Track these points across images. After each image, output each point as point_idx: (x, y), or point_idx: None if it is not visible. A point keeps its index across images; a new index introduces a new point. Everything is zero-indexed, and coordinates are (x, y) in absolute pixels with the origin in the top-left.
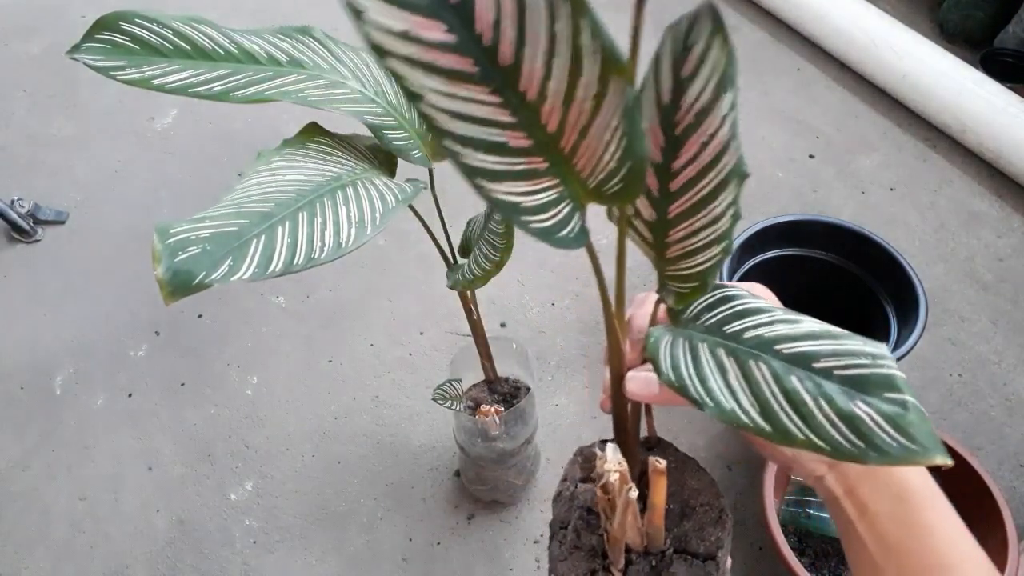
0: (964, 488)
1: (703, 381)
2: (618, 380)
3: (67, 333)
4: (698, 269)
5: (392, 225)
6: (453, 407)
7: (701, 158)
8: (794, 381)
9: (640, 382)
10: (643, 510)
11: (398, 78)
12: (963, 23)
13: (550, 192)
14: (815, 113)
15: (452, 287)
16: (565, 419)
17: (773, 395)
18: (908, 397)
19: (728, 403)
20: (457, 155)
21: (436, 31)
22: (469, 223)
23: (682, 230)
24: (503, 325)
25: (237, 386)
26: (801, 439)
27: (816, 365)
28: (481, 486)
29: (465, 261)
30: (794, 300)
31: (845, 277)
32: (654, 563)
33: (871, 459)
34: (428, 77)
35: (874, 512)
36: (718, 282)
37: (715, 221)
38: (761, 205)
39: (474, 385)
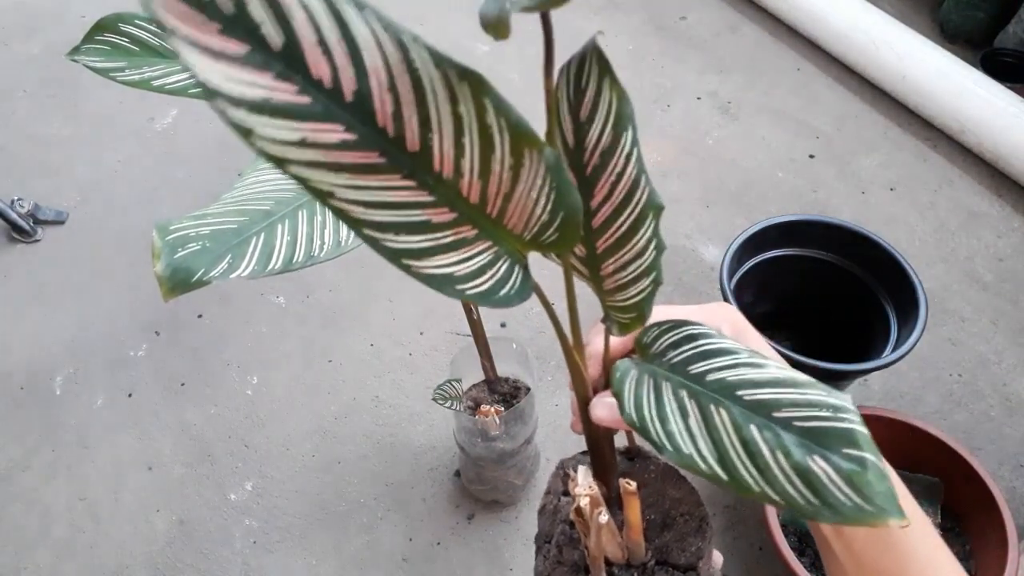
0: (964, 488)
1: (664, 423)
2: (584, 405)
3: (67, 333)
4: (633, 300)
5: None
6: (453, 407)
7: (614, 196)
8: (753, 431)
9: (605, 408)
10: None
11: (302, 181)
12: (963, 23)
13: (484, 255)
14: (815, 113)
15: None
16: (565, 419)
17: (732, 444)
18: (867, 455)
19: (687, 448)
20: (377, 242)
21: (335, 133)
22: None
23: (611, 264)
24: (503, 325)
25: (237, 386)
26: (756, 491)
27: (776, 414)
28: (481, 486)
29: None
30: (794, 301)
31: (845, 277)
32: (636, 575)
33: (824, 517)
34: (335, 176)
35: (851, 533)
36: (684, 319)
37: (640, 255)
38: (761, 205)
39: (474, 385)
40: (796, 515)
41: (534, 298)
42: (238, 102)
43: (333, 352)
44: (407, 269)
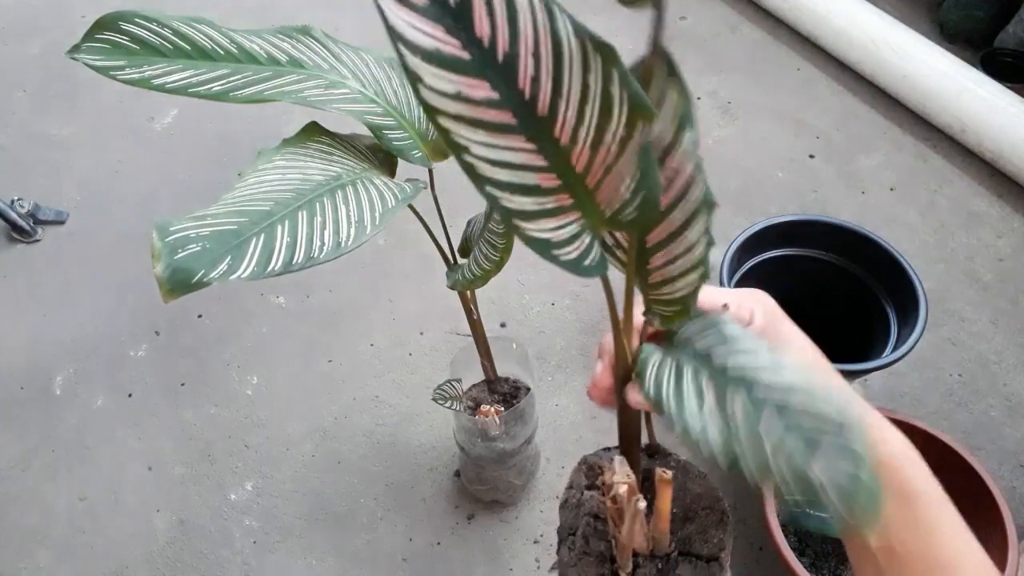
0: (964, 488)
1: (679, 402)
2: (622, 384)
3: (67, 333)
4: (680, 294)
5: (392, 225)
6: (453, 407)
7: (670, 192)
8: (763, 425)
9: (639, 391)
10: (648, 516)
11: (445, 133)
12: (963, 23)
13: (574, 224)
14: (815, 113)
15: (452, 287)
16: (565, 419)
17: (739, 431)
18: (863, 473)
19: (697, 428)
20: (497, 200)
21: (482, 90)
22: (469, 223)
23: (660, 258)
24: (503, 325)
25: (237, 386)
26: (757, 476)
27: (789, 418)
28: (481, 486)
29: (465, 261)
30: (794, 301)
31: (845, 277)
32: (660, 566)
33: (816, 510)
34: (473, 131)
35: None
36: (713, 311)
37: (690, 249)
38: (761, 205)
39: (474, 385)
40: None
41: (534, 297)
42: (415, 48)
43: (333, 352)
44: (516, 229)
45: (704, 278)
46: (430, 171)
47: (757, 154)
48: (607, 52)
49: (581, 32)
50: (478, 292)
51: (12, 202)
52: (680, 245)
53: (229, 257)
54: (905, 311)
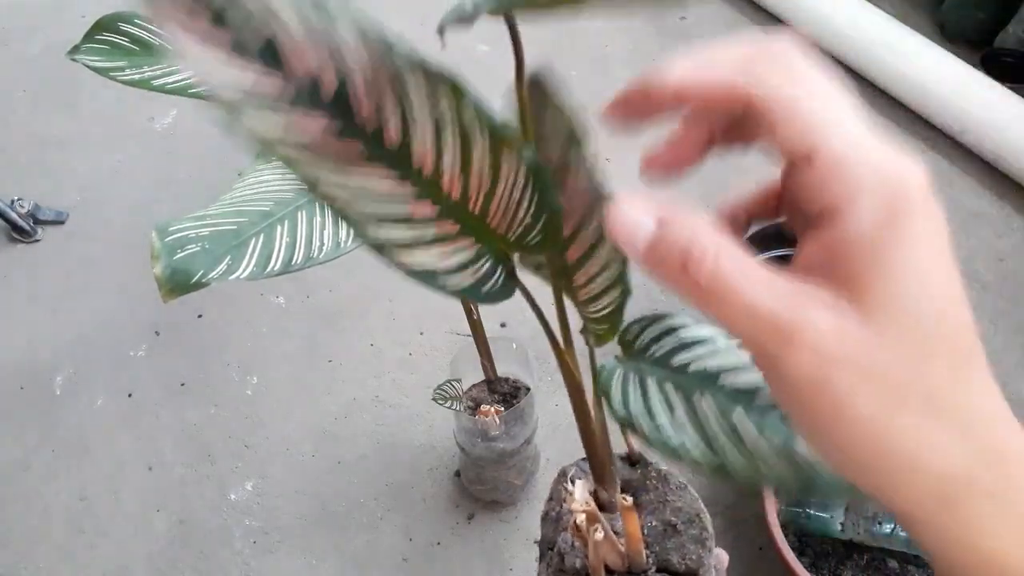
0: None
1: (652, 417)
2: (579, 408)
3: (67, 333)
4: (605, 312)
5: None
6: (453, 407)
7: (575, 211)
8: (738, 415)
9: (628, 226)
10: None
11: (289, 165)
12: (963, 23)
13: (466, 251)
14: None
15: None
16: (565, 419)
17: (716, 430)
18: None
19: (677, 439)
20: (364, 233)
21: (316, 123)
22: None
23: (582, 275)
24: (503, 325)
25: (237, 386)
26: (745, 473)
27: (759, 398)
28: (481, 486)
29: None
30: None
31: None
32: None
33: (808, 494)
34: (319, 164)
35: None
36: (663, 312)
37: (606, 266)
38: None
39: (474, 385)
40: (794, 494)
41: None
42: (226, 90)
43: (333, 352)
44: (391, 261)
45: (625, 295)
46: None
47: (757, 154)
48: (453, 83)
49: (421, 64)
50: None
51: (12, 202)
52: (596, 263)
53: (228, 257)
54: None
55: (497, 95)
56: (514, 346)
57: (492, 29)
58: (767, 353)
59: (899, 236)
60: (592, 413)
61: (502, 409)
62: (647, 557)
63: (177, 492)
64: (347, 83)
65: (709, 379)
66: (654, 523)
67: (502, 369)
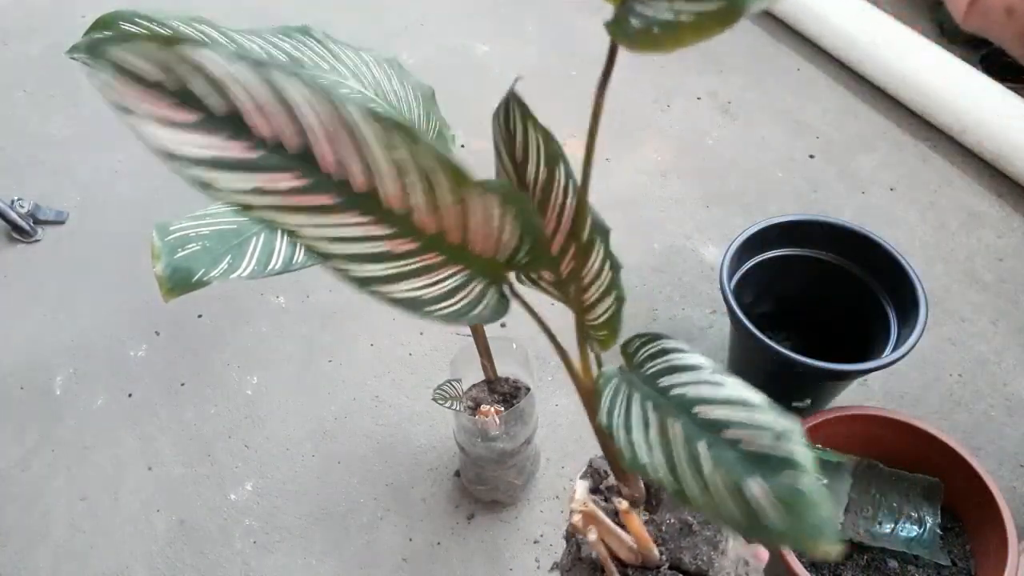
0: (964, 488)
1: (628, 431)
2: (590, 408)
3: (67, 333)
4: (603, 319)
5: None
6: (453, 407)
7: (563, 225)
8: (701, 446)
9: None
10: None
11: (267, 222)
12: None
13: (453, 278)
14: (815, 113)
15: None
16: (565, 419)
17: (681, 457)
18: (806, 482)
19: (644, 457)
20: (346, 272)
21: (285, 181)
22: None
23: (575, 287)
24: (503, 325)
25: (237, 386)
26: (700, 503)
27: (725, 434)
28: (481, 486)
29: None
30: (794, 301)
31: (845, 277)
32: None
33: (757, 535)
34: (293, 217)
35: None
36: (661, 333)
37: (597, 276)
38: (761, 205)
39: (474, 385)
40: (733, 528)
41: (534, 297)
42: (194, 162)
43: (333, 352)
44: (374, 294)
45: (620, 301)
46: None
47: (757, 154)
48: (406, 130)
49: (373, 116)
50: None
51: (12, 202)
52: (588, 273)
53: (229, 256)
54: (905, 311)
55: (496, 95)
56: (514, 346)
57: (492, 29)
58: None
59: None
60: None
61: (502, 409)
62: (661, 554)
63: (177, 492)
64: (308, 139)
65: (685, 406)
66: (672, 520)
67: (502, 369)
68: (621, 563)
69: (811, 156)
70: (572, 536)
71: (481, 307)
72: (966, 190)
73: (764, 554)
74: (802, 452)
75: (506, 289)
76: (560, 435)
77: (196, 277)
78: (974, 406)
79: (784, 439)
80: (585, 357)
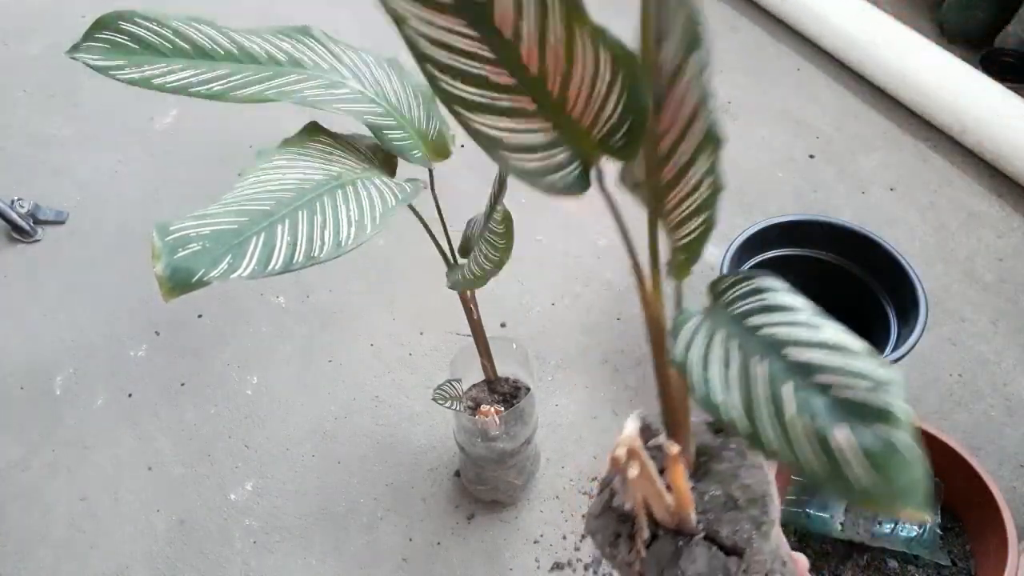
0: (964, 488)
1: (706, 368)
2: (659, 347)
3: (67, 333)
4: (685, 240)
5: (392, 225)
6: (453, 407)
7: (678, 121)
8: (786, 389)
9: None
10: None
11: (383, 2)
12: (963, 23)
13: (539, 135)
14: (815, 113)
15: (452, 287)
16: (565, 419)
17: (759, 398)
18: (899, 437)
19: (718, 395)
20: (436, 80)
21: None
22: (469, 223)
23: (673, 198)
24: (503, 325)
25: (237, 386)
26: (773, 448)
27: (816, 378)
28: (481, 486)
29: (465, 261)
30: None
31: (845, 277)
32: (680, 544)
33: (837, 489)
34: (409, 3)
35: None
36: (756, 271)
37: (695, 189)
38: (761, 205)
39: (474, 385)
40: (811, 478)
41: (534, 297)
42: None
43: (333, 352)
44: (457, 116)
45: (709, 225)
46: (430, 171)
47: (757, 154)
48: None
49: None
50: (478, 292)
51: (12, 202)
52: (687, 184)
53: (230, 256)
54: (905, 311)
55: None
56: (514, 346)
57: None
58: None
59: None
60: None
61: (502, 409)
62: (698, 522)
63: (177, 492)
64: None
65: (773, 346)
66: (717, 493)
67: (502, 369)
68: (653, 522)
69: (811, 156)
70: (606, 486)
71: (560, 175)
72: (966, 190)
73: (804, 562)
74: (900, 407)
75: (593, 173)
76: (560, 435)
77: (196, 277)
78: (974, 406)
79: (882, 390)
80: (657, 283)
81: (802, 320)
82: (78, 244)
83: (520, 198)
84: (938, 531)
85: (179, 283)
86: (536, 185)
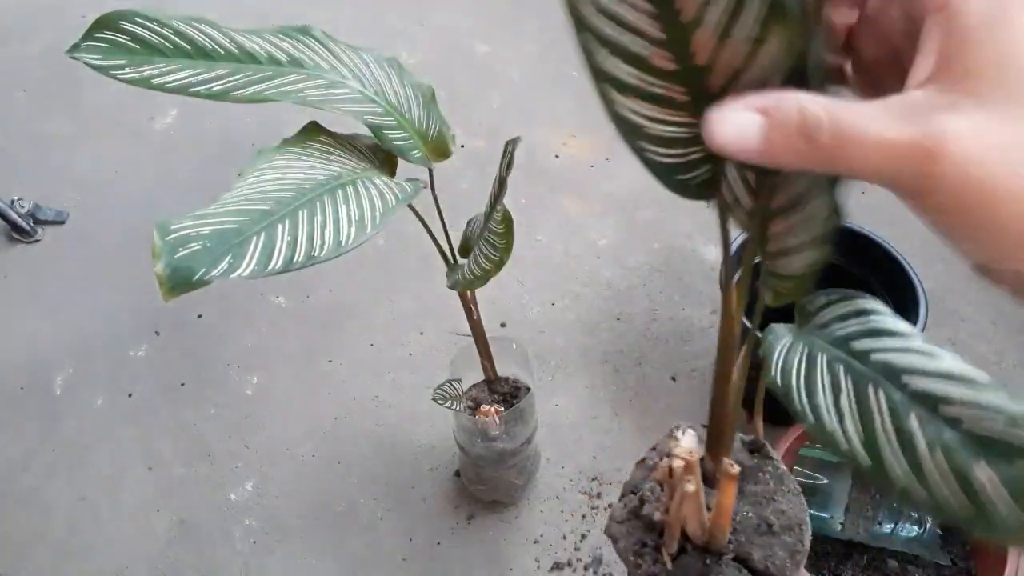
0: None
1: (811, 395)
2: (725, 376)
3: (67, 333)
4: (793, 270)
5: (392, 225)
6: (453, 407)
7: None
8: (913, 421)
9: (737, 127)
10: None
11: None
12: None
13: (682, 129)
14: None
15: (452, 287)
16: (565, 419)
17: (884, 429)
18: None
19: (831, 424)
20: (592, 54)
21: None
22: (469, 223)
23: (780, 224)
24: (503, 325)
25: (237, 386)
26: (902, 484)
27: (944, 410)
28: (481, 486)
29: (465, 261)
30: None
31: (845, 277)
32: (707, 561)
33: (979, 528)
34: None
35: None
36: (855, 292)
37: (811, 219)
38: None
39: (474, 385)
40: (948, 518)
41: (534, 297)
42: None
43: (333, 352)
44: (603, 96)
45: (822, 259)
46: (430, 171)
47: None
48: None
49: None
50: (478, 292)
51: (12, 202)
52: (801, 213)
53: (230, 255)
54: (905, 311)
55: (497, 94)
56: (514, 346)
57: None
58: (909, 177)
59: (1009, 18)
60: (734, 375)
61: (502, 409)
62: (729, 542)
63: (177, 492)
64: None
65: (891, 375)
66: (750, 515)
67: (502, 369)
68: (683, 535)
69: None
70: (634, 491)
71: (691, 175)
72: None
73: None
74: None
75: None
76: (560, 435)
77: (196, 277)
78: None
79: (1020, 425)
80: (740, 300)
81: (916, 347)
82: (78, 244)
83: (520, 198)
84: (938, 531)
85: (179, 283)
86: (666, 182)
